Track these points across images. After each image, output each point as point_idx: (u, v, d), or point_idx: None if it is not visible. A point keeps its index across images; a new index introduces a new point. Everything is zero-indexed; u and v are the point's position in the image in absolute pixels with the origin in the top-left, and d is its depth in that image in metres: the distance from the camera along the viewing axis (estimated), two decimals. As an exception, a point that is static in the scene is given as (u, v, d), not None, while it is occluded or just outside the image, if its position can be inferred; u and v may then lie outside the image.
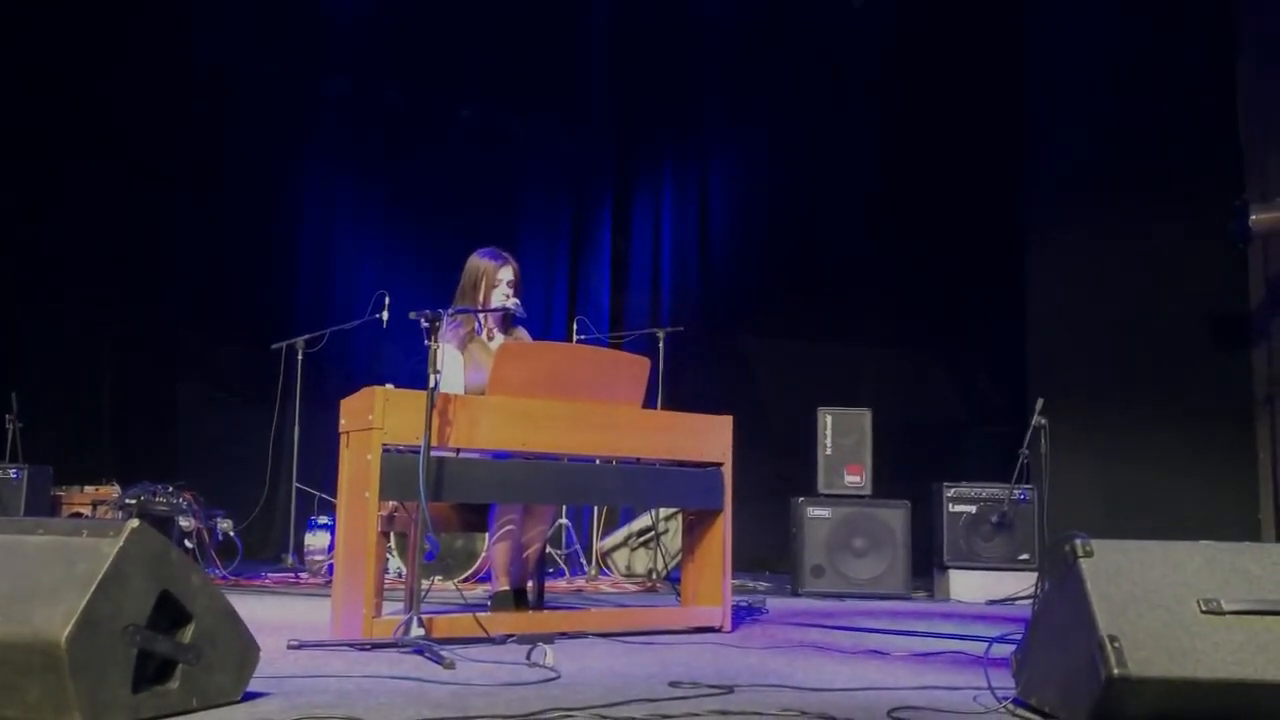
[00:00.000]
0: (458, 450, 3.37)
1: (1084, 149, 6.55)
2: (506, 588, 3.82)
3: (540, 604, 3.99)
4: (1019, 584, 5.45)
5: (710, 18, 7.75)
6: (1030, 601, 5.01)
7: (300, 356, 6.43)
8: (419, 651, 2.96)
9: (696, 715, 2.21)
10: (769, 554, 6.85)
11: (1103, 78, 6.52)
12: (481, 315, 4.00)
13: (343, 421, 3.38)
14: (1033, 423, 5.00)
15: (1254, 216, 5.43)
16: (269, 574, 5.82)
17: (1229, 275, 5.99)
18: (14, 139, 7.20)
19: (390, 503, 3.50)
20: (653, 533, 6.09)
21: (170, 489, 5.65)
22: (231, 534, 5.87)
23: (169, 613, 2.10)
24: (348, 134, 7.76)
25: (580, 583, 5.86)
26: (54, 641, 1.86)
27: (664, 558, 6.03)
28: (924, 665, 3.10)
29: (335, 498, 3.56)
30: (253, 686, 2.29)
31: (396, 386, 3.26)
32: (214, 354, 7.33)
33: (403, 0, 7.80)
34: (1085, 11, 6.68)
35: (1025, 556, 5.53)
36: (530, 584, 3.94)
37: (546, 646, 2.92)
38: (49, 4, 7.32)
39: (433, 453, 3.19)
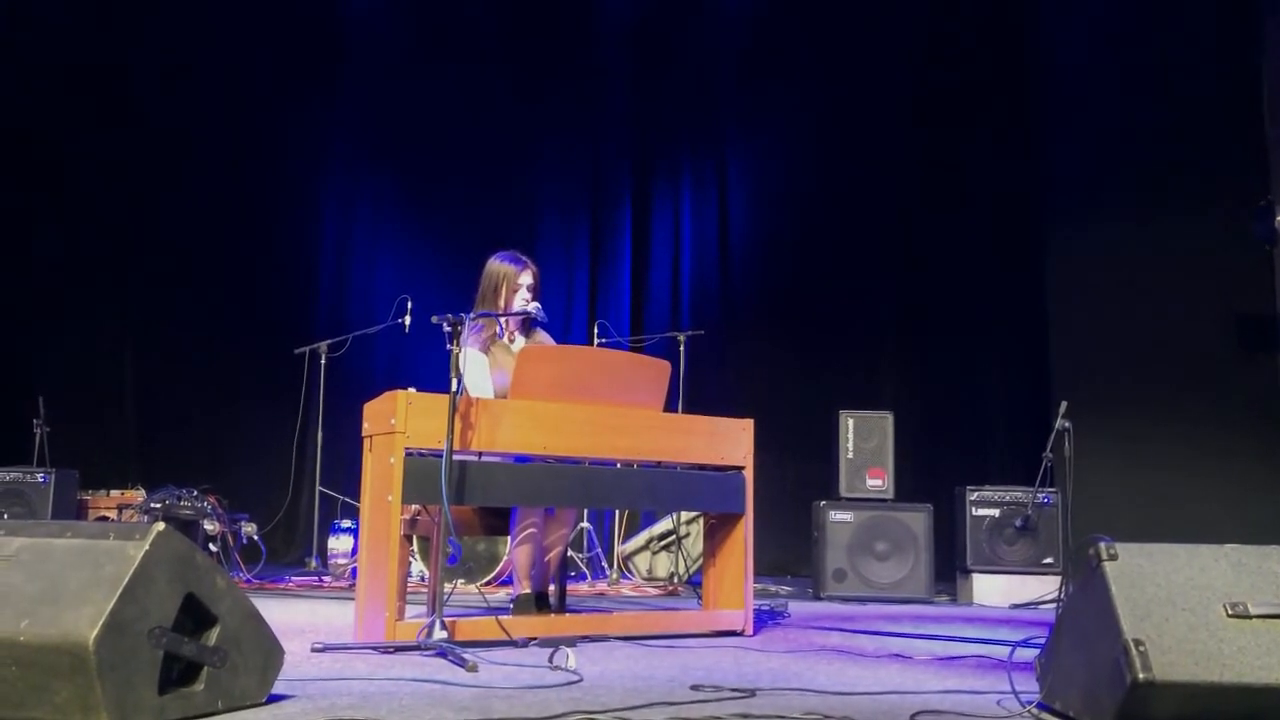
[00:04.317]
0: (480, 454, 3.38)
1: (1106, 149, 6.50)
2: (528, 591, 3.83)
3: (562, 607, 3.99)
4: (1043, 588, 5.42)
5: (726, 18, 7.75)
6: (1054, 605, 4.98)
7: (323, 361, 6.48)
8: (442, 654, 2.97)
9: (718, 719, 2.20)
10: (791, 558, 6.84)
11: (1124, 77, 6.48)
12: (503, 319, 4.01)
13: (365, 425, 3.40)
14: (1056, 425, 4.97)
15: (1279, 218, 5.38)
16: (292, 577, 5.86)
17: (1255, 277, 5.94)
18: (34, 144, 7.28)
19: (413, 506, 3.52)
20: (674, 536, 6.09)
21: (195, 493, 5.69)
22: (255, 537, 5.91)
23: (194, 615, 2.12)
24: (367, 139, 7.80)
25: (602, 586, 5.86)
26: (82, 643, 1.88)
27: (685, 561, 6.02)
28: (947, 669, 3.08)
29: (358, 501, 3.58)
30: (277, 689, 2.30)
31: (419, 390, 3.28)
32: (237, 359, 7.38)
33: (423, 6, 7.85)
34: (1107, 10, 6.64)
35: (1049, 560, 5.50)
36: (552, 587, 3.95)
37: (568, 649, 2.92)
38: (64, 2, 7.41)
39: (455, 456, 3.20)
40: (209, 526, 5.59)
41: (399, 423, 3.19)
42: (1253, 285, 5.96)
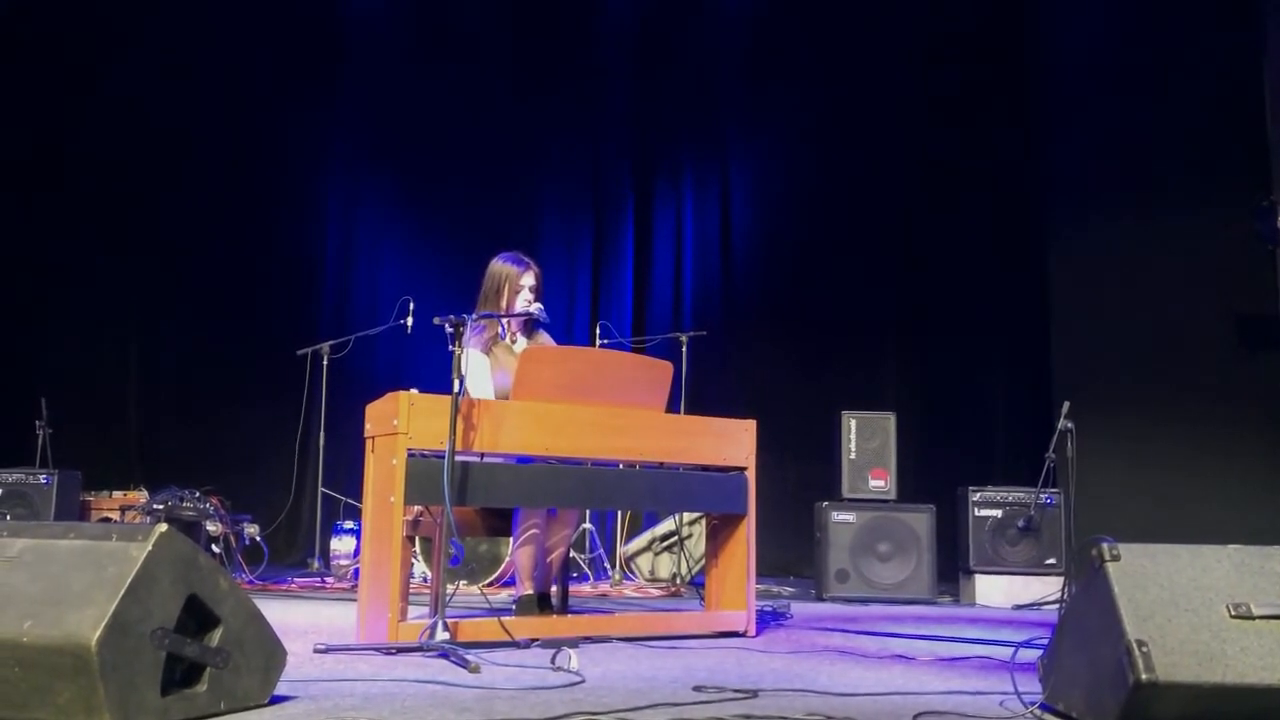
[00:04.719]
0: (482, 455, 3.38)
1: (1106, 149, 6.50)
2: (531, 592, 3.83)
3: (564, 608, 3.99)
4: (1045, 589, 5.42)
5: (726, 18, 7.75)
6: (1057, 606, 4.98)
7: (325, 362, 6.49)
8: (444, 655, 2.97)
9: None
10: (793, 558, 6.83)
11: (1124, 77, 6.47)
12: (505, 320, 4.01)
13: (368, 427, 3.40)
14: (1059, 426, 4.96)
15: (1281, 217, 5.38)
16: (295, 578, 5.86)
17: (1257, 276, 5.93)
18: (35, 144, 7.29)
19: (415, 507, 3.52)
20: (676, 537, 6.09)
21: (197, 494, 5.70)
22: (258, 538, 5.91)
23: (197, 616, 2.12)
24: (369, 139, 7.80)
25: (604, 587, 5.86)
26: (85, 644, 1.88)
27: (688, 562, 6.02)
28: (950, 670, 3.08)
29: (360, 502, 3.58)
30: (279, 690, 2.30)
31: (421, 391, 3.28)
32: (239, 360, 7.38)
33: (423, 6, 7.85)
34: (1109, 9, 6.64)
35: (1052, 561, 5.49)
36: (554, 588, 3.95)
37: (571, 650, 2.92)
38: (65, 2, 7.41)
39: (457, 457, 3.20)
40: (211, 528, 5.60)
41: (401, 424, 3.19)
42: (1254, 285, 5.96)
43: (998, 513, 5.57)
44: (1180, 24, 6.26)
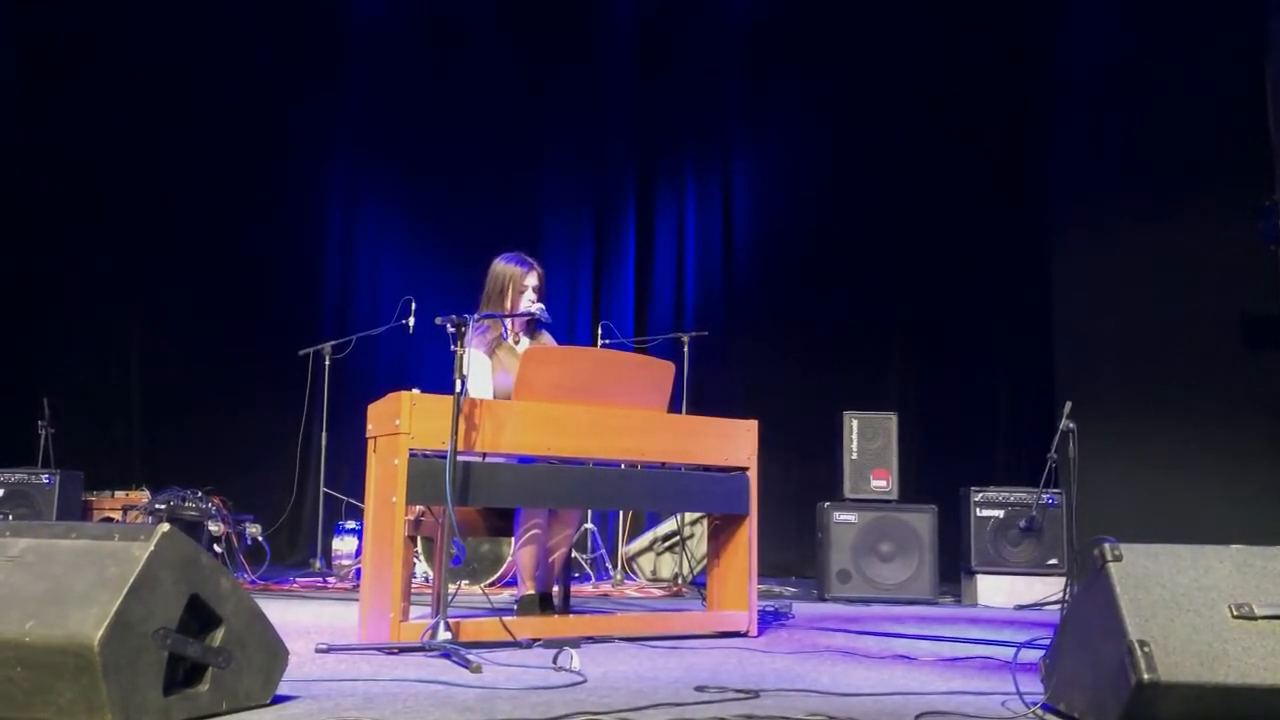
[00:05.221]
0: (484, 455, 3.38)
1: (1107, 149, 6.50)
2: (532, 592, 3.83)
3: (566, 608, 3.99)
4: (1047, 589, 5.42)
5: (730, 18, 7.76)
6: (1059, 606, 4.97)
7: (327, 362, 6.49)
8: (446, 655, 2.98)
9: (723, 720, 2.21)
10: (795, 559, 6.84)
11: (1128, 77, 6.47)
12: (507, 320, 4.02)
13: (370, 427, 3.40)
14: (1060, 426, 4.96)
15: (1284, 217, 5.38)
16: (297, 578, 5.86)
17: (1260, 276, 5.93)
18: (41, 145, 7.29)
19: (417, 507, 3.52)
20: (678, 537, 6.09)
21: (199, 494, 5.70)
22: (260, 538, 5.91)
23: (199, 616, 2.12)
24: (372, 139, 7.80)
25: (606, 587, 5.87)
26: (87, 644, 1.88)
27: (689, 562, 6.02)
28: (952, 670, 3.08)
29: (362, 502, 3.58)
30: (281, 690, 2.30)
31: (423, 391, 3.28)
32: (242, 360, 7.37)
33: (426, 6, 7.86)
34: (1110, 10, 6.64)
35: (1053, 561, 5.49)
36: (556, 588, 3.95)
37: (572, 650, 2.92)
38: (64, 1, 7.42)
39: (459, 457, 3.21)
40: (213, 528, 5.60)
41: (403, 424, 3.19)
42: (1257, 285, 5.96)
43: (999, 513, 5.57)
44: (1181, 24, 6.26)
